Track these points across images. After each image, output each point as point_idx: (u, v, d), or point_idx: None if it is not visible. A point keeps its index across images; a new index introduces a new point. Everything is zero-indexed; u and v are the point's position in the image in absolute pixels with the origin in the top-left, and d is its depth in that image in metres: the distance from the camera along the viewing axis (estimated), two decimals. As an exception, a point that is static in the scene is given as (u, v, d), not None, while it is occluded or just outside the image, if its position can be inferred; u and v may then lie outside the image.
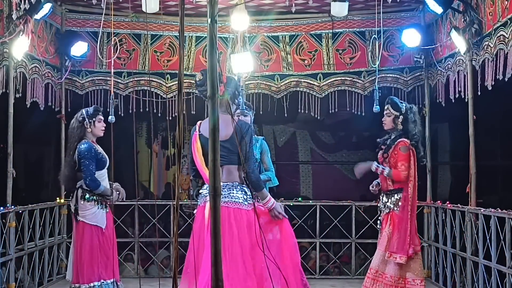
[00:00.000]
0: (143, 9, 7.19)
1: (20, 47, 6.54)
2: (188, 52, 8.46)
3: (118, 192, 6.04)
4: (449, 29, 6.99)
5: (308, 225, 8.64)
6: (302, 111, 8.54)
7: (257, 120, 7.13)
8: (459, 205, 7.02)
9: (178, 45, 6.30)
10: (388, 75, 8.38)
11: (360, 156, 11.31)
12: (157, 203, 8.92)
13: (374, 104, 7.09)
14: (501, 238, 5.95)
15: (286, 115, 8.57)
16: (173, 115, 8.14)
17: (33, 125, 8.93)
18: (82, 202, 5.87)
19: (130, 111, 8.13)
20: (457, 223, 7.03)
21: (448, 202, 7.45)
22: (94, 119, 5.99)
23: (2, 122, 6.77)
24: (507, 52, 5.74)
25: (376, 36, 7.71)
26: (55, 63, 8.00)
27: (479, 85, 6.42)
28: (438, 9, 6.92)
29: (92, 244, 5.84)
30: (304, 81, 8.48)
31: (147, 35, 8.40)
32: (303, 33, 8.47)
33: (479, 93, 6.47)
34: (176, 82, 8.20)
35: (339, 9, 7.64)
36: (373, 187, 6.02)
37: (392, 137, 5.97)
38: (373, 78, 8.22)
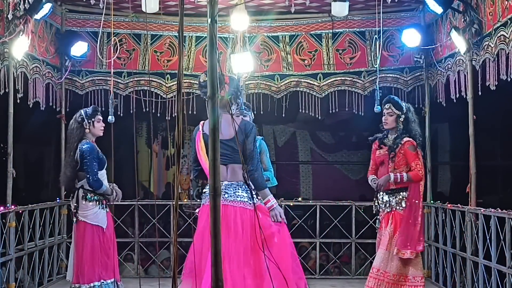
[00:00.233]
0: (143, 9, 7.19)
1: (20, 47, 6.54)
2: (188, 52, 8.46)
3: (116, 193, 6.04)
4: (449, 29, 6.99)
5: (308, 225, 8.64)
6: (302, 111, 8.54)
7: (257, 120, 7.12)
8: (459, 205, 7.02)
9: (178, 45, 6.29)
10: (388, 75, 8.38)
11: (360, 156, 11.33)
12: (157, 203, 8.92)
13: (375, 104, 7.10)
14: (501, 238, 5.95)
15: (286, 115, 8.57)
16: (173, 115, 8.14)
17: (33, 125, 8.94)
18: (83, 202, 5.87)
19: (130, 111, 8.13)
20: (457, 223, 7.03)
21: (448, 202, 7.45)
22: (93, 119, 5.98)
23: (2, 122, 6.77)
24: (509, 52, 5.74)
25: (376, 36, 7.72)
26: (55, 63, 8.00)
27: (479, 85, 6.42)
28: (438, 9, 6.92)
29: (93, 244, 5.84)
30: (304, 81, 8.48)
31: (147, 35, 8.40)
32: (303, 33, 8.47)
33: (479, 93, 6.47)
34: (176, 82, 8.21)
35: (339, 9, 7.64)
36: (374, 183, 6.00)
37: (394, 136, 5.97)
38: (373, 78, 8.22)
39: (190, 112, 8.21)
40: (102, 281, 5.85)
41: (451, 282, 7.27)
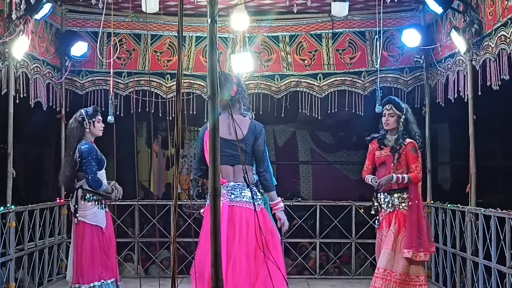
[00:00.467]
0: (143, 9, 7.19)
1: (20, 47, 6.54)
2: (188, 52, 8.45)
3: (116, 189, 6.04)
4: (449, 29, 6.99)
5: (308, 225, 8.65)
6: (302, 111, 8.53)
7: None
8: (459, 205, 7.02)
9: (178, 45, 6.30)
10: (388, 75, 8.37)
11: (360, 156, 11.27)
12: (157, 203, 8.92)
13: (376, 104, 7.10)
14: (501, 238, 5.95)
15: (286, 115, 8.56)
16: (173, 115, 8.11)
17: (33, 125, 8.93)
18: (82, 202, 5.87)
19: (130, 111, 8.13)
20: (457, 223, 7.03)
21: (448, 202, 7.45)
22: (93, 119, 5.99)
23: (2, 122, 6.77)
24: (510, 52, 5.74)
25: (376, 36, 7.71)
26: (55, 63, 8.00)
27: (479, 85, 6.42)
28: (438, 9, 6.92)
29: (92, 244, 5.84)
30: (304, 81, 8.48)
31: (147, 35, 8.40)
32: (303, 33, 8.47)
33: (479, 93, 6.47)
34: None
35: (339, 9, 7.64)
36: (375, 181, 6.00)
37: (394, 137, 5.98)
38: (373, 78, 8.22)
39: (190, 112, 8.22)
40: (102, 281, 5.85)
41: (451, 282, 7.27)
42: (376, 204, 6.03)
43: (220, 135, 4.59)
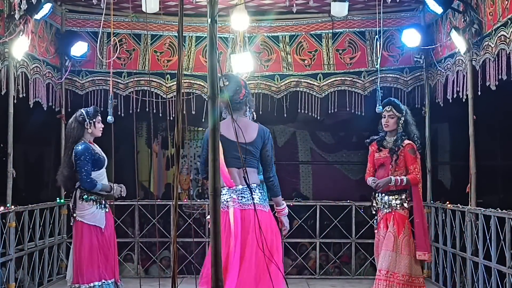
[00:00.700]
0: (143, 9, 7.19)
1: (20, 47, 6.54)
2: (188, 52, 8.45)
3: (120, 187, 6.03)
4: (449, 29, 6.99)
5: (308, 225, 8.65)
6: (302, 111, 8.54)
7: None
8: (459, 205, 7.02)
9: (178, 45, 6.29)
10: (388, 75, 8.38)
11: (360, 156, 11.29)
12: (157, 203, 8.92)
13: (377, 104, 7.09)
14: (501, 238, 5.95)
15: (286, 115, 8.56)
16: (173, 115, 8.11)
17: (33, 125, 8.93)
18: (80, 202, 5.88)
19: (130, 111, 8.13)
20: (457, 223, 7.03)
21: (448, 202, 7.45)
22: (94, 119, 5.99)
23: (2, 122, 6.77)
24: (509, 52, 5.74)
25: (376, 36, 7.71)
26: (55, 63, 8.00)
27: (479, 85, 6.42)
28: (438, 9, 6.92)
29: (91, 244, 5.84)
30: (304, 81, 8.48)
31: (147, 35, 8.40)
32: (303, 33, 8.47)
33: (479, 93, 6.47)
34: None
35: (339, 9, 7.64)
36: (374, 182, 6.01)
37: (393, 138, 5.99)
38: (373, 78, 8.23)
39: (190, 112, 8.22)
40: (103, 281, 5.85)
41: (451, 282, 7.27)
42: (375, 204, 6.05)
43: (227, 137, 4.62)
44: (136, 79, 8.44)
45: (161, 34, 8.41)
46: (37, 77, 7.40)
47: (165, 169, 12.55)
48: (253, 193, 4.74)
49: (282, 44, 8.49)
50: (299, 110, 8.55)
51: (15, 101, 6.74)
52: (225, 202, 4.72)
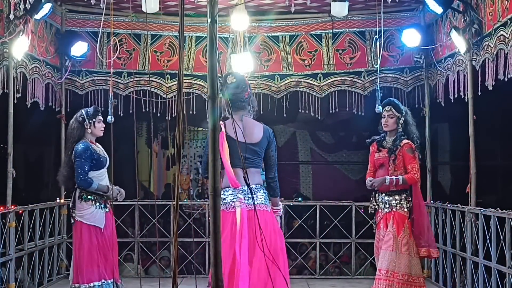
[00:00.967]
0: (143, 9, 7.20)
1: (20, 47, 6.54)
2: (188, 52, 8.45)
3: (118, 190, 6.04)
4: (449, 29, 6.99)
5: (308, 225, 8.65)
6: (302, 111, 8.54)
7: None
8: (459, 205, 7.02)
9: (178, 45, 6.29)
10: (388, 75, 8.38)
11: (360, 156, 11.31)
12: (157, 203, 8.92)
13: (376, 104, 7.09)
14: (501, 238, 5.95)
15: (286, 115, 8.56)
16: (173, 115, 8.13)
17: (33, 125, 8.93)
18: (79, 202, 5.88)
19: (130, 111, 8.12)
20: (457, 223, 7.03)
21: (448, 202, 7.45)
22: (94, 119, 6.00)
23: (2, 122, 6.76)
24: (507, 52, 5.74)
25: (376, 36, 7.71)
26: (55, 63, 8.00)
27: (479, 85, 6.42)
28: (438, 9, 6.92)
29: (90, 244, 5.84)
30: (304, 81, 8.48)
31: (147, 35, 8.40)
32: (303, 33, 8.47)
33: (479, 93, 6.47)
34: (176, 82, 8.20)
35: (339, 9, 7.64)
36: (370, 181, 6.03)
37: (392, 138, 5.99)
38: (373, 78, 8.22)
39: (190, 112, 8.21)
40: (103, 280, 5.85)
41: (451, 282, 7.27)
42: (374, 204, 6.06)
43: (234, 137, 4.61)
44: (136, 79, 8.44)
45: (161, 34, 8.41)
46: (36, 77, 7.40)
47: (165, 169, 12.55)
48: (258, 192, 4.74)
49: (282, 44, 8.49)
50: (299, 110, 8.55)
51: (15, 101, 6.74)
52: (231, 203, 4.70)
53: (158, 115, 8.11)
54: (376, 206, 6.04)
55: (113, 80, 7.40)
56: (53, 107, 8.06)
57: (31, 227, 7.17)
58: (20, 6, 6.39)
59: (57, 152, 8.66)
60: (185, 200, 9.84)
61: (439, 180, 11.25)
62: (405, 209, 5.92)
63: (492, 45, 6.09)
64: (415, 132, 6.05)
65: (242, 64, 7.83)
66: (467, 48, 6.62)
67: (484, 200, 7.42)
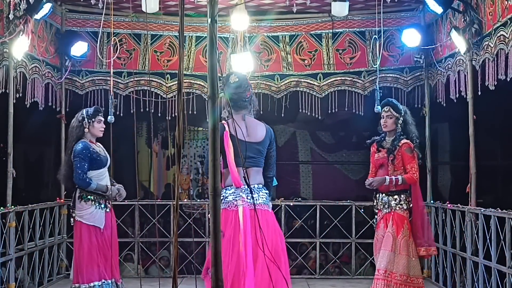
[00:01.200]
0: (143, 9, 7.20)
1: (20, 47, 6.54)
2: (188, 52, 8.46)
3: (118, 190, 6.04)
4: (449, 29, 6.99)
5: (308, 225, 8.65)
6: (302, 111, 8.54)
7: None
8: (459, 205, 7.03)
9: (178, 45, 6.30)
10: (388, 75, 8.38)
11: (360, 156, 11.31)
12: (157, 203, 8.92)
13: (375, 104, 7.09)
14: (501, 238, 5.95)
15: (286, 115, 8.57)
16: (173, 115, 8.13)
17: (33, 125, 8.92)
18: (79, 202, 5.88)
19: (130, 111, 8.12)
20: (457, 223, 7.03)
21: (448, 202, 7.45)
22: (93, 119, 6.00)
23: (2, 122, 6.77)
24: (508, 52, 5.74)
25: (376, 36, 7.71)
26: (55, 63, 8.00)
27: (479, 85, 6.42)
28: (438, 9, 6.92)
29: (90, 244, 5.84)
30: (304, 81, 8.48)
31: (147, 35, 8.40)
32: (303, 33, 8.47)
33: (479, 93, 6.47)
34: (176, 82, 8.20)
35: (339, 9, 7.64)
36: (368, 182, 6.03)
37: (392, 138, 5.99)
38: (373, 78, 8.22)
39: (190, 112, 8.21)
40: (103, 280, 5.85)
41: (451, 282, 7.27)
42: (375, 203, 6.06)
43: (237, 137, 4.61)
44: (136, 79, 8.44)
45: (161, 34, 8.41)
46: (36, 77, 7.40)
47: (165, 169, 12.55)
48: (259, 192, 4.74)
49: (282, 44, 8.49)
50: (299, 110, 8.55)
51: (14, 101, 6.74)
52: (233, 201, 4.69)
53: (159, 115, 8.11)
54: (377, 206, 6.04)
55: (113, 80, 7.40)
56: (53, 107, 8.06)
57: (31, 227, 7.17)
58: (20, 6, 6.39)
59: (57, 152, 8.66)
60: (184, 200, 9.83)
61: (439, 180, 11.24)
62: (405, 210, 5.92)
63: (492, 45, 6.09)
64: (414, 132, 6.05)
65: (242, 64, 7.83)
66: (467, 48, 6.62)
67: (484, 200, 7.42)
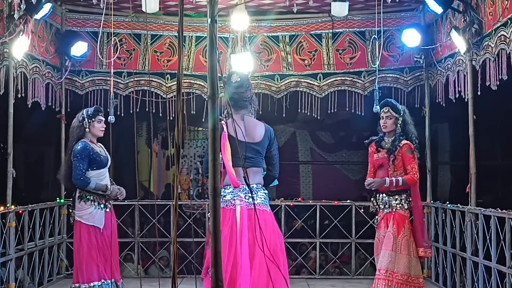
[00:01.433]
0: (143, 9, 7.20)
1: (20, 47, 6.54)
2: (188, 52, 8.46)
3: (118, 189, 6.04)
4: (449, 29, 6.99)
5: (308, 225, 8.65)
6: (302, 111, 8.54)
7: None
8: (459, 205, 7.02)
9: (178, 45, 6.30)
10: (388, 75, 8.38)
11: (360, 156, 11.30)
12: (157, 203, 8.92)
13: (374, 104, 7.09)
14: (501, 238, 5.95)
15: (286, 115, 8.56)
16: (173, 115, 8.11)
17: (33, 125, 8.93)
18: (79, 202, 5.88)
19: (130, 111, 8.12)
20: (457, 223, 7.03)
21: (448, 202, 7.45)
22: (93, 119, 6.00)
23: (2, 122, 6.77)
24: (509, 52, 5.73)
25: (376, 36, 7.72)
26: (55, 63, 8.00)
27: (479, 85, 6.42)
28: (438, 9, 6.92)
29: (89, 244, 5.84)
30: (304, 81, 8.48)
31: (147, 35, 8.40)
32: (303, 33, 8.47)
33: (479, 93, 6.47)
34: (176, 82, 8.20)
35: (339, 9, 7.64)
36: (368, 182, 6.04)
37: (391, 139, 5.99)
38: (373, 78, 8.22)
39: (190, 112, 8.21)
40: (103, 281, 5.85)
41: (451, 282, 7.27)
42: (375, 203, 6.06)
43: (235, 136, 4.61)
44: (136, 79, 8.44)
45: (161, 34, 8.42)
46: (36, 77, 7.40)
47: (165, 169, 12.55)
48: (258, 192, 4.74)
49: (282, 44, 8.49)
50: (299, 110, 8.55)
51: (13, 101, 6.74)
52: (231, 201, 4.69)
53: (160, 115, 8.11)
54: (377, 206, 6.04)
55: (113, 80, 7.40)
56: (53, 107, 8.06)
57: (31, 227, 7.17)
58: (20, 6, 6.39)
59: (57, 152, 8.66)
60: (184, 200, 9.83)
61: (439, 180, 11.24)
62: (406, 209, 5.92)
63: (492, 45, 6.09)
64: (413, 132, 6.05)
65: (242, 64, 7.83)
66: (467, 48, 6.62)
67: (484, 200, 7.42)
